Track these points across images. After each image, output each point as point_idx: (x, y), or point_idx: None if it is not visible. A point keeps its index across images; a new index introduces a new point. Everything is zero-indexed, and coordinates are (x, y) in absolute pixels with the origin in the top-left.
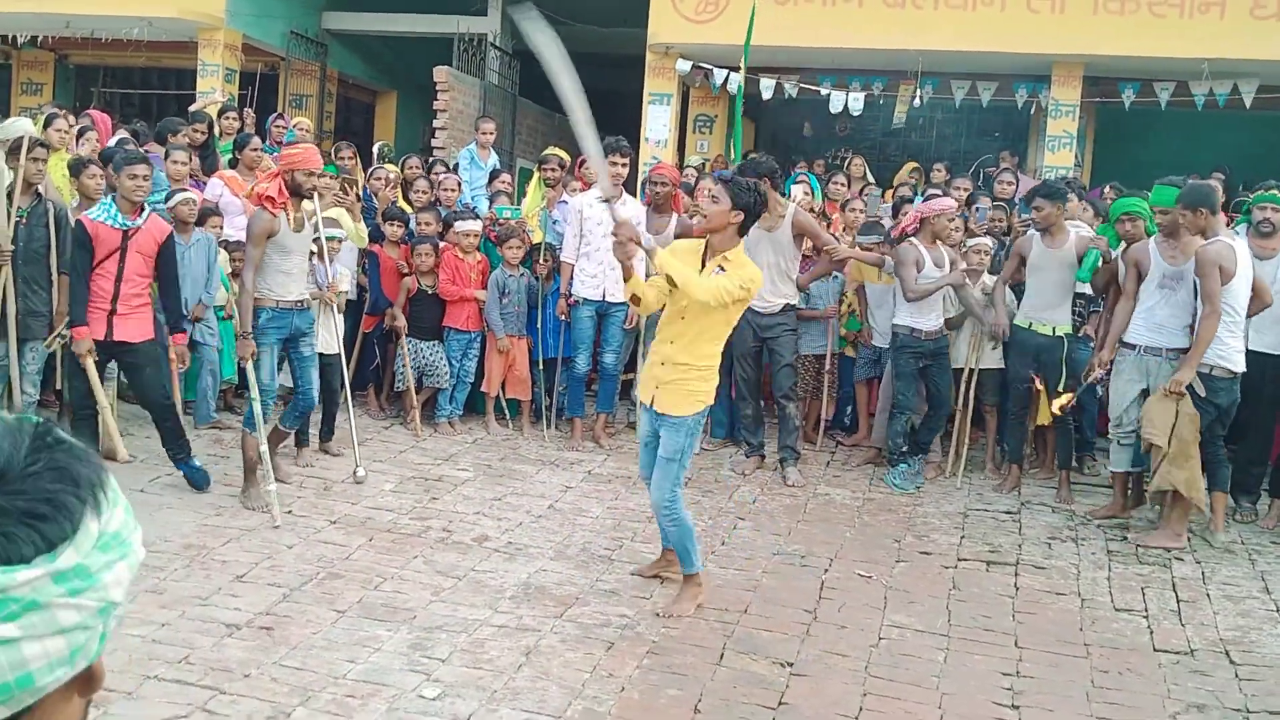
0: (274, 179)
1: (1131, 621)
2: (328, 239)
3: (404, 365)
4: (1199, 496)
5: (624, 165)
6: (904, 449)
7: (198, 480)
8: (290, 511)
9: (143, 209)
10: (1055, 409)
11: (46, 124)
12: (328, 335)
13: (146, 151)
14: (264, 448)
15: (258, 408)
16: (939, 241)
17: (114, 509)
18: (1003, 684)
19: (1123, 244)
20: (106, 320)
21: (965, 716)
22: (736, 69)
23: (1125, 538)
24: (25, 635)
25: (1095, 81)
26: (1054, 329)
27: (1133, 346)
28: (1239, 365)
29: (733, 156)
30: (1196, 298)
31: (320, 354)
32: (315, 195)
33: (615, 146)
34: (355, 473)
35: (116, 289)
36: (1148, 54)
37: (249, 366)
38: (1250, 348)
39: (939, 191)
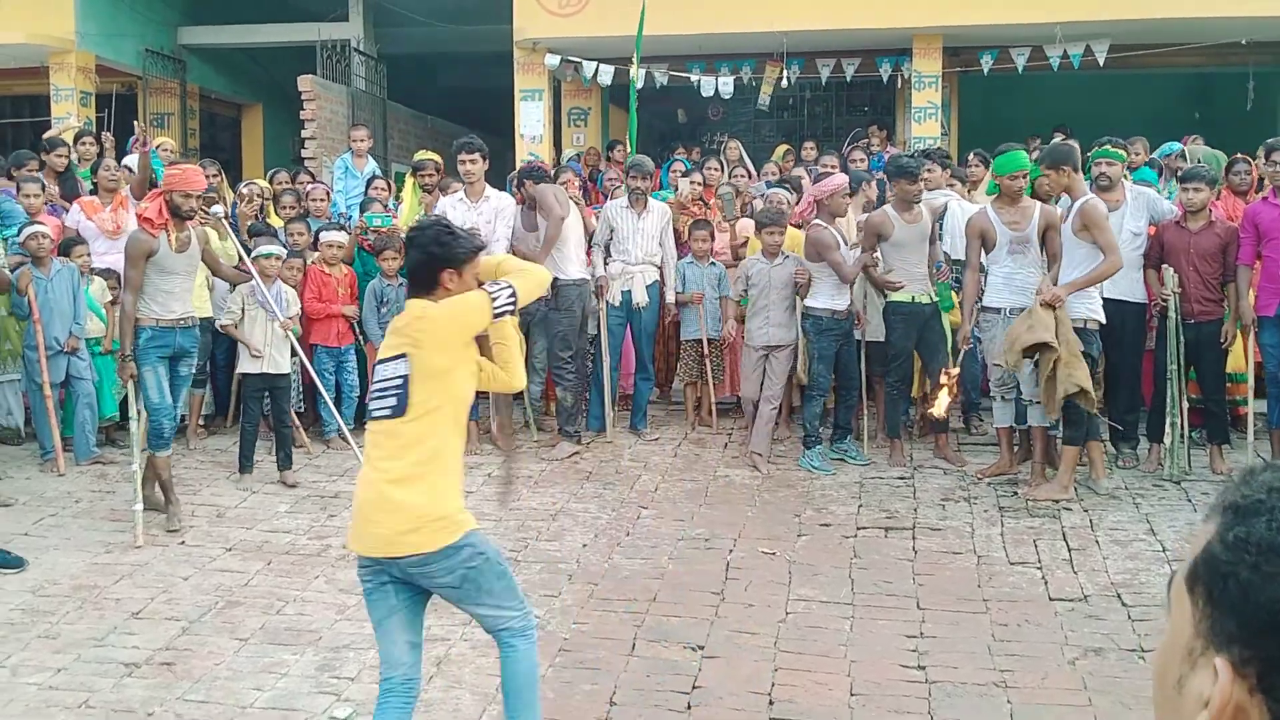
0: (155, 199)
1: (1026, 574)
2: (265, 257)
3: None
4: (1094, 393)
5: (473, 163)
6: (819, 429)
7: None
8: (184, 542)
9: None
10: (939, 412)
11: None
12: (279, 356)
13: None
14: (135, 466)
15: (135, 427)
16: (837, 219)
17: None
18: (908, 646)
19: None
20: None
21: (874, 682)
22: (606, 61)
23: (1015, 493)
24: None
25: (955, 51)
26: (931, 296)
27: (998, 310)
28: (1103, 317)
29: (629, 147)
30: (1044, 254)
31: (268, 373)
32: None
33: (462, 144)
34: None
35: None
36: (1002, 21)
37: (130, 387)
38: (1107, 296)
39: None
